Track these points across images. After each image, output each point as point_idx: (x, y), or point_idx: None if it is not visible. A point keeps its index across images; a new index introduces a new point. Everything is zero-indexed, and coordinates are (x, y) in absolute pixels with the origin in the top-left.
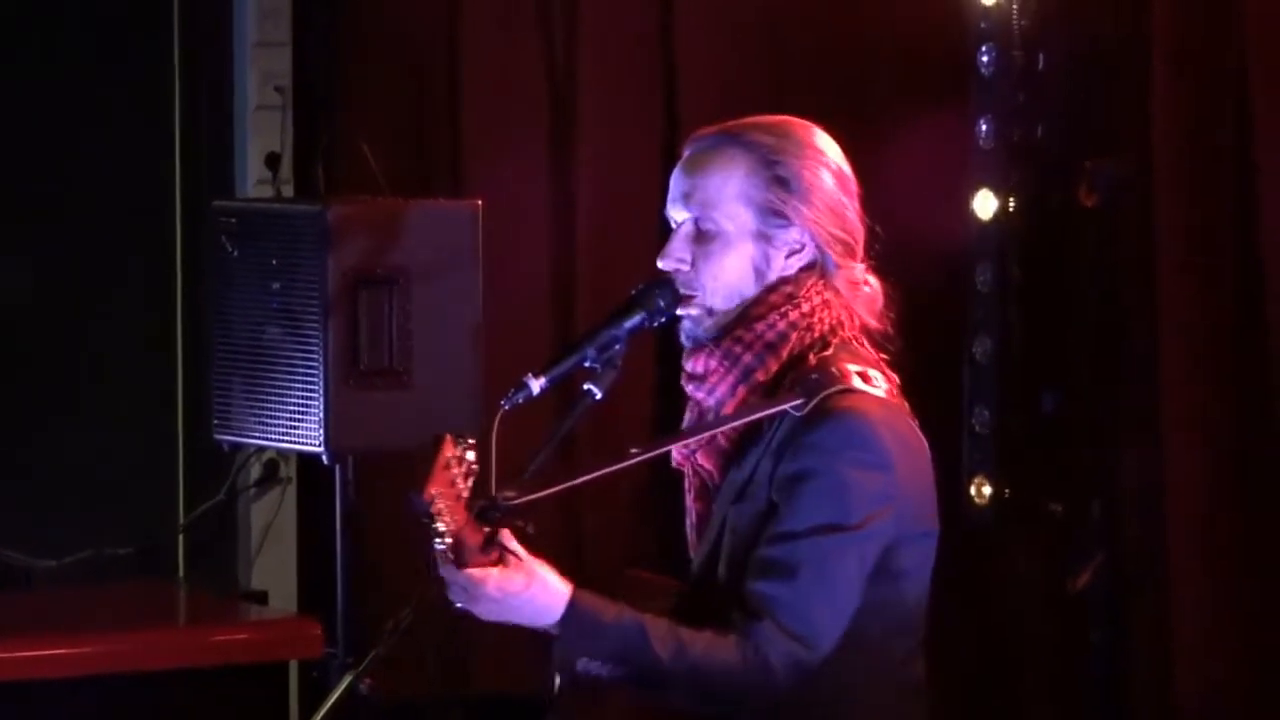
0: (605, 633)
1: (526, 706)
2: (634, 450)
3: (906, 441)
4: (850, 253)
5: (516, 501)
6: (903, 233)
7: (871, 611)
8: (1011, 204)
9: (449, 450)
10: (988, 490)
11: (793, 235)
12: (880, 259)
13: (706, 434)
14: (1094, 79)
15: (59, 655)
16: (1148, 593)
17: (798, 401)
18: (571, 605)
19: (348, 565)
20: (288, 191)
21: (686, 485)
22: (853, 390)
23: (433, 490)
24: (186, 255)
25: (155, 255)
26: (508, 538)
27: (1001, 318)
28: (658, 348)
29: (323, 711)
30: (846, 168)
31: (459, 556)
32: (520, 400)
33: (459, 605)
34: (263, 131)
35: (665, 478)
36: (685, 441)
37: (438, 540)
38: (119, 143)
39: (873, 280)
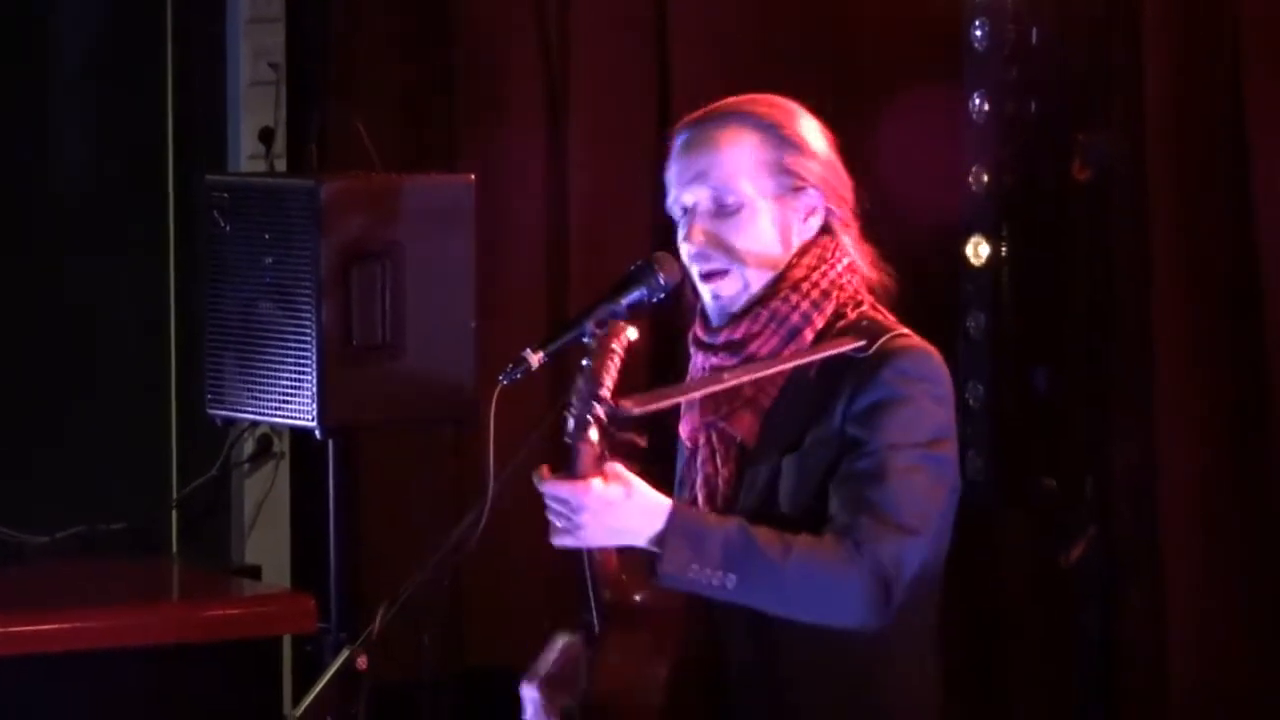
0: (711, 537)
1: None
2: (726, 376)
3: (951, 389)
4: (853, 214)
5: (637, 412)
6: (896, 208)
7: (935, 538)
8: (1004, 178)
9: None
10: (981, 466)
11: (810, 195)
12: (874, 233)
13: (789, 365)
14: (1087, 53)
15: (52, 630)
16: (1140, 568)
17: (860, 343)
18: (674, 514)
19: (341, 540)
20: (281, 167)
21: (702, 457)
22: (908, 334)
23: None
24: (180, 230)
25: (149, 231)
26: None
27: (995, 293)
28: (654, 323)
29: (319, 687)
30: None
31: (575, 464)
32: (519, 375)
33: (557, 533)
34: (256, 107)
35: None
36: (769, 371)
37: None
38: (112, 119)
39: (880, 265)
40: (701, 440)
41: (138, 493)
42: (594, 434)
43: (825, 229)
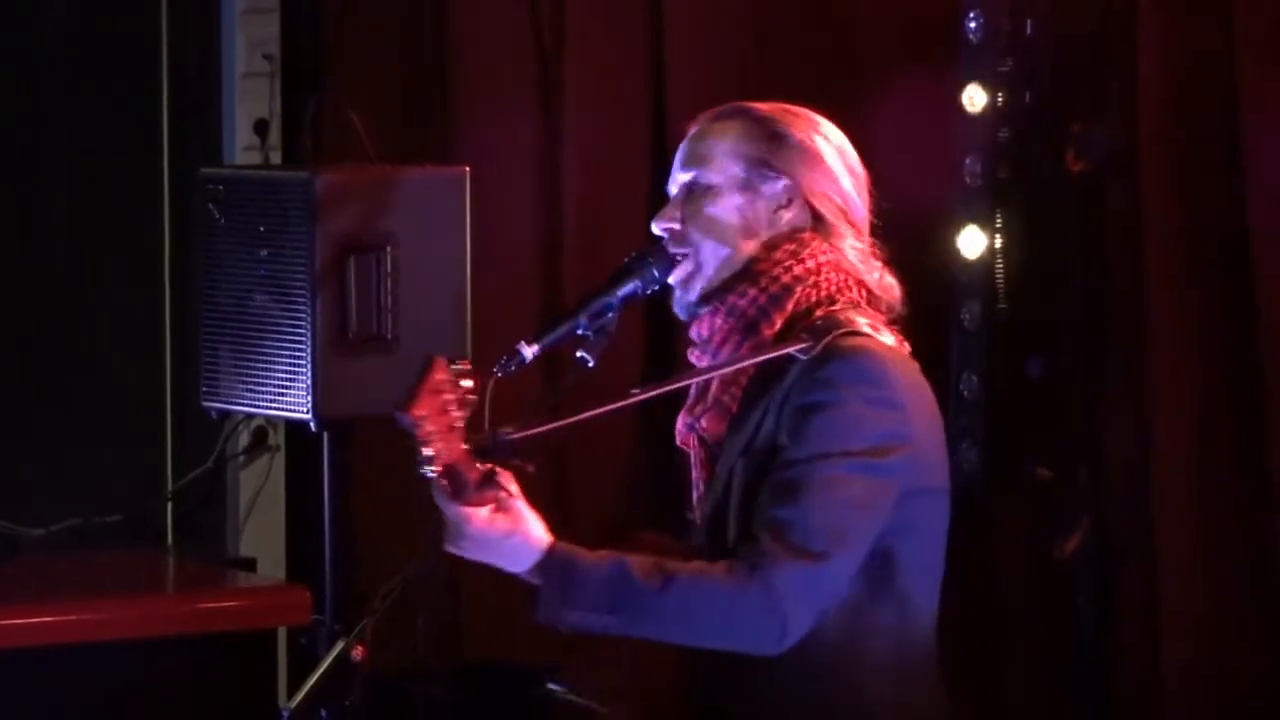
0: (586, 580)
1: (519, 674)
2: (634, 390)
3: (920, 390)
4: (849, 221)
5: (515, 437)
6: (891, 199)
7: (886, 563)
8: (999, 169)
9: (440, 373)
10: (975, 456)
11: (780, 187)
12: (872, 223)
13: (702, 377)
14: (1081, 44)
15: (47, 623)
16: (1134, 558)
17: (805, 344)
18: (546, 559)
19: (336, 532)
20: (276, 159)
21: (692, 460)
22: (861, 333)
23: (419, 411)
24: (174, 222)
25: (143, 223)
26: (507, 479)
27: (989, 283)
28: (648, 316)
29: (314, 678)
30: (850, 151)
31: (456, 490)
32: (514, 368)
33: (447, 544)
34: (251, 99)
35: (656, 454)
36: (686, 381)
37: (427, 466)
38: (107, 110)
39: (888, 276)
40: (693, 444)
41: (133, 485)
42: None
43: (806, 227)
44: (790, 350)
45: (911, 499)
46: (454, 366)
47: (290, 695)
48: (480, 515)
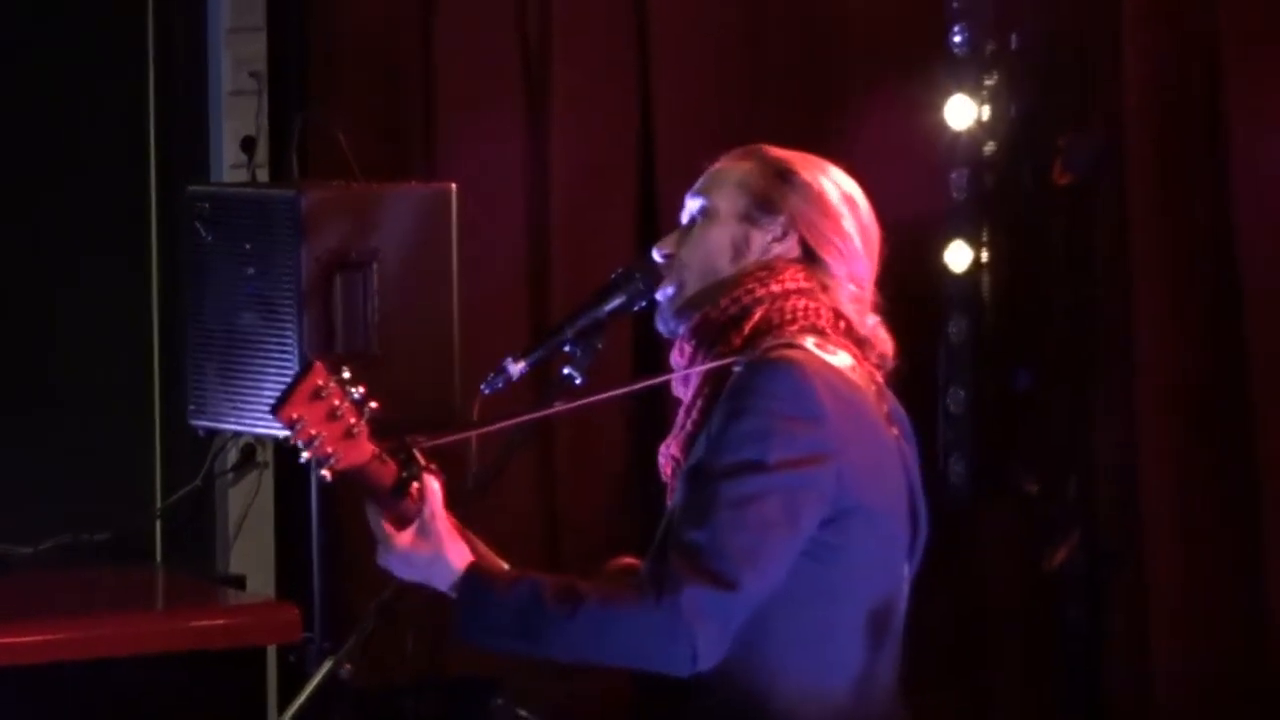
0: (499, 606)
1: (502, 688)
2: (558, 402)
3: (851, 405)
4: (845, 263)
5: (426, 444)
6: (876, 213)
7: (803, 580)
8: (985, 183)
9: (318, 378)
10: (963, 469)
11: (779, 223)
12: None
13: (639, 387)
14: (1066, 57)
15: (36, 641)
16: (1123, 569)
17: (740, 359)
18: (463, 582)
19: (325, 550)
20: (262, 176)
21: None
22: (796, 346)
23: (293, 413)
24: (161, 240)
25: (130, 240)
26: (433, 493)
27: (976, 297)
28: (635, 332)
29: (303, 697)
30: (863, 204)
31: (373, 495)
32: (500, 384)
33: (379, 560)
34: (237, 116)
35: (645, 472)
36: (596, 399)
37: (322, 469)
38: (94, 127)
39: (881, 332)
40: (669, 472)
41: (121, 503)
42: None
43: (804, 264)
44: (727, 363)
45: (841, 517)
46: (340, 374)
47: (279, 713)
48: (404, 536)
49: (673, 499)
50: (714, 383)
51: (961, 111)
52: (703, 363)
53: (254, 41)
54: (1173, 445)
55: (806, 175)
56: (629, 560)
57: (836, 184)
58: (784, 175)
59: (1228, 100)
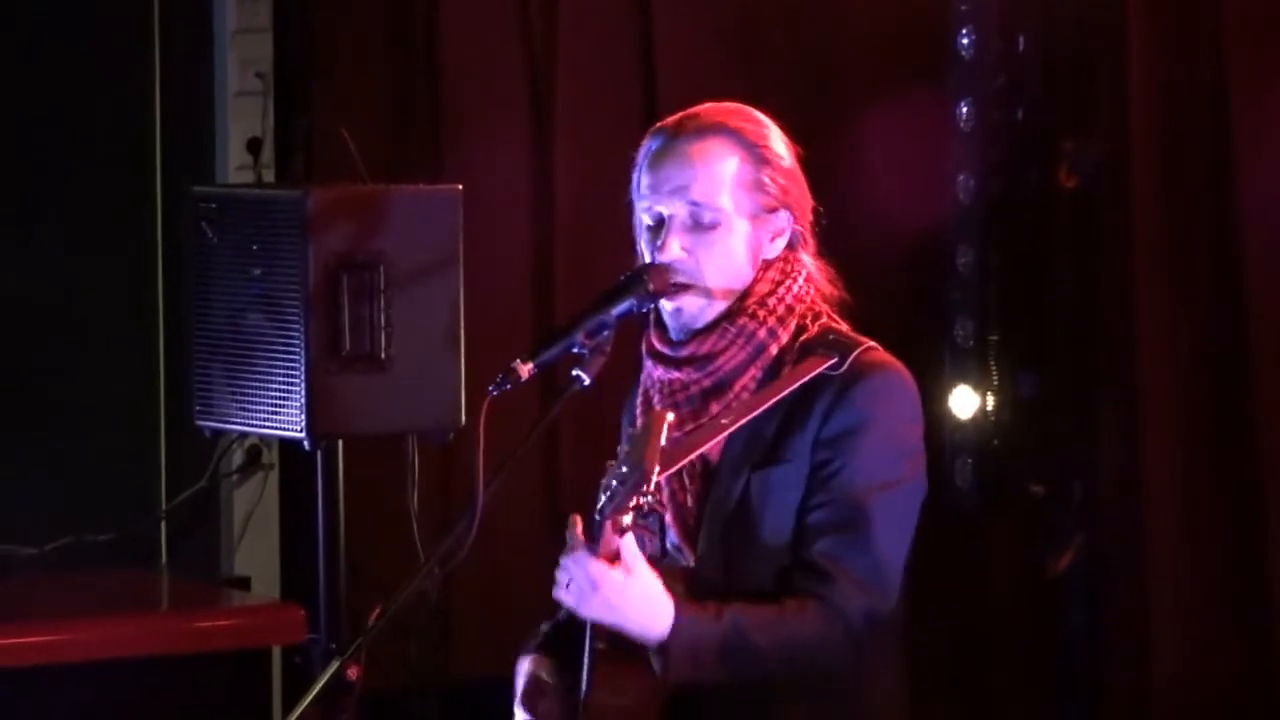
0: (710, 647)
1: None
2: (724, 421)
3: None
4: (810, 228)
5: (660, 476)
6: (884, 215)
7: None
8: (991, 186)
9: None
10: (969, 473)
11: (782, 219)
12: (861, 241)
13: (782, 395)
14: (1072, 60)
15: (41, 642)
16: (1126, 574)
17: (833, 360)
18: (676, 626)
19: (330, 551)
20: (268, 177)
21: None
22: (877, 348)
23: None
24: (167, 241)
25: (136, 241)
26: (630, 538)
27: (982, 299)
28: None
29: (308, 698)
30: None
31: (600, 541)
32: (508, 386)
33: (564, 596)
34: (243, 117)
35: None
36: (769, 403)
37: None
38: (100, 129)
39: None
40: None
41: (126, 504)
42: (627, 520)
43: (790, 245)
44: (822, 370)
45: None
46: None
47: (285, 714)
48: (618, 576)
49: (750, 496)
50: (798, 375)
51: (968, 114)
52: (752, 361)
53: (260, 43)
54: (1177, 450)
55: (783, 155)
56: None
57: (786, 143)
58: (769, 163)
59: (1233, 103)
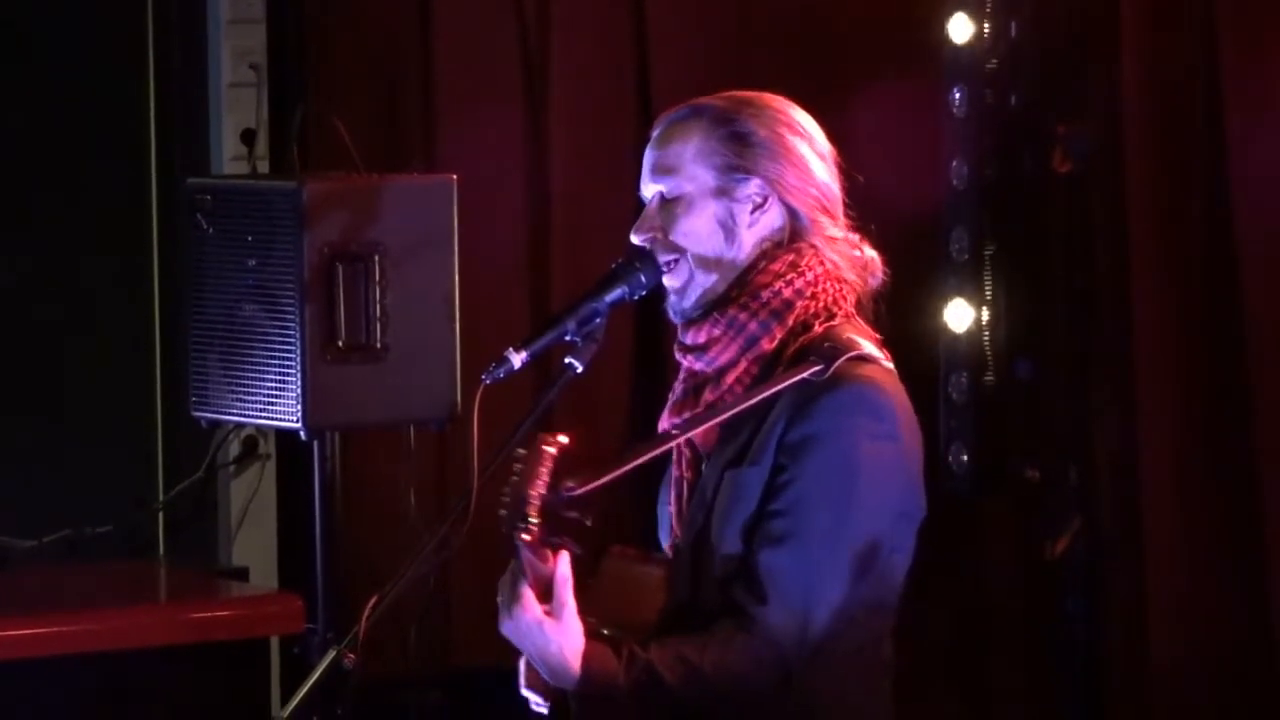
0: (620, 695)
1: (505, 679)
2: (674, 430)
3: (912, 418)
4: (826, 211)
5: (579, 493)
6: (877, 201)
7: (865, 587)
8: (985, 171)
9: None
10: (965, 458)
11: (753, 187)
12: (857, 227)
13: (737, 409)
14: (1066, 45)
15: (39, 634)
16: (1124, 558)
17: (818, 368)
18: (583, 679)
19: (327, 541)
20: (263, 168)
21: (675, 456)
22: (869, 359)
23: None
24: (162, 233)
25: (131, 233)
26: (564, 562)
27: (977, 285)
28: (637, 321)
29: (306, 688)
30: (817, 131)
31: (525, 563)
32: (502, 375)
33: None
34: (237, 109)
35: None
36: (712, 422)
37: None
38: (94, 121)
39: (868, 250)
40: (680, 441)
41: (124, 495)
42: (525, 539)
43: (796, 232)
44: (805, 376)
45: (896, 523)
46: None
47: (283, 704)
48: (531, 618)
49: (717, 497)
50: (780, 380)
51: (961, 100)
52: (740, 359)
53: (253, 33)
54: (1173, 434)
55: (764, 130)
56: (630, 549)
57: (790, 125)
58: (741, 136)
59: (1226, 88)
